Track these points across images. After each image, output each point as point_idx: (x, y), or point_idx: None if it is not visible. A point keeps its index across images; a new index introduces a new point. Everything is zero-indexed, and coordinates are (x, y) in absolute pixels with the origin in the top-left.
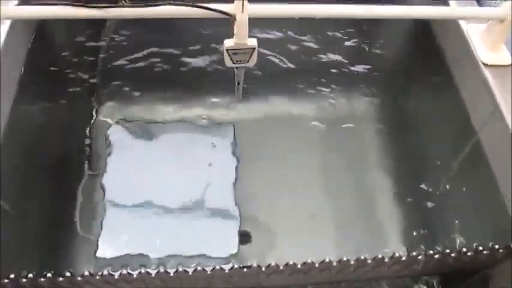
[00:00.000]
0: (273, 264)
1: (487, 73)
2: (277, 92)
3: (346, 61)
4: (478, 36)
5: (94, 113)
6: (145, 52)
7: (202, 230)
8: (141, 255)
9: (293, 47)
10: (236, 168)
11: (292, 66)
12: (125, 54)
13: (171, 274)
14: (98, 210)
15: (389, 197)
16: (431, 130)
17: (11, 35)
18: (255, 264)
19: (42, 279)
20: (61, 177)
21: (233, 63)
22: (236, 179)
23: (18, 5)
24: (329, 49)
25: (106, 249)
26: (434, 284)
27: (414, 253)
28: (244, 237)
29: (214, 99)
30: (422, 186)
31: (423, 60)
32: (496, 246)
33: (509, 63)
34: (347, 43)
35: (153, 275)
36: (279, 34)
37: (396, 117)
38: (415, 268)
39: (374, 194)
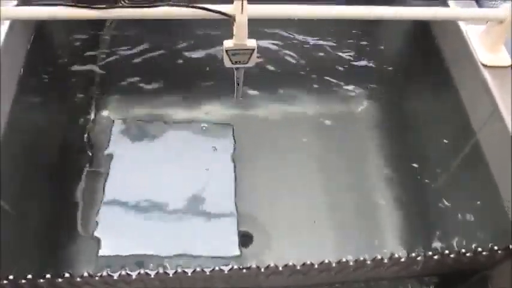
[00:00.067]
0: (272, 265)
1: (486, 74)
2: (277, 92)
3: (345, 61)
4: (478, 37)
5: (94, 113)
6: (145, 52)
7: (202, 231)
8: (140, 255)
9: (292, 47)
10: (235, 168)
11: (291, 66)
12: (125, 54)
13: (170, 275)
14: (97, 210)
15: (388, 197)
16: (430, 130)
17: (11, 36)
18: (254, 265)
19: (41, 280)
20: (61, 177)
21: (232, 64)
22: (236, 179)
23: (17, 5)
24: (328, 49)
25: (106, 249)
26: (433, 285)
27: (413, 254)
28: (245, 238)
29: (214, 100)
30: (422, 186)
31: (422, 60)
32: (496, 247)
33: (509, 64)
34: (346, 43)
35: (152, 276)
36: (279, 34)
37: (396, 118)
38: (414, 269)
39: (373, 194)
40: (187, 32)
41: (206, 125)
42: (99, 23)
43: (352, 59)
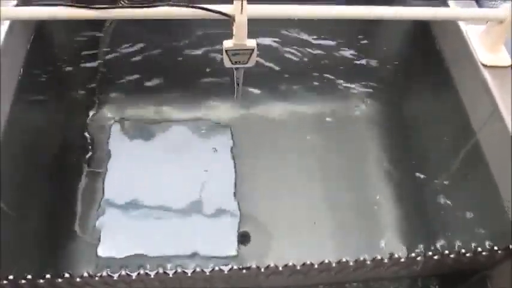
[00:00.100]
0: (272, 265)
1: (486, 74)
2: (277, 92)
3: (345, 61)
4: (478, 37)
5: (94, 113)
6: (145, 52)
7: (201, 231)
8: (140, 255)
9: (292, 47)
10: (235, 168)
11: (291, 66)
12: (124, 54)
13: (170, 275)
14: (97, 210)
15: (388, 197)
16: (430, 130)
17: (10, 36)
18: (254, 265)
19: (41, 281)
20: (61, 177)
21: (232, 64)
22: (236, 179)
23: (17, 5)
24: (328, 49)
25: (105, 249)
26: (433, 285)
27: (413, 254)
28: (244, 238)
29: (213, 99)
30: (422, 186)
31: (422, 60)
32: (495, 248)
33: (509, 64)
34: (346, 43)
35: (152, 276)
36: (279, 32)
37: (396, 117)
38: (414, 269)
39: (373, 194)
40: (187, 31)
41: (206, 125)
42: (99, 23)
43: (352, 58)
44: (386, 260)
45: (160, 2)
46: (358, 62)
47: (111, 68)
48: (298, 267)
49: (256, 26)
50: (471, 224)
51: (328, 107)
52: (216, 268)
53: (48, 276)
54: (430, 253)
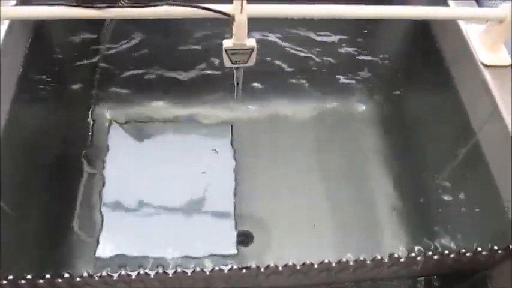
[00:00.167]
0: (272, 265)
1: (486, 73)
2: (277, 91)
3: (345, 60)
4: (478, 36)
5: (93, 112)
6: (144, 52)
7: (201, 230)
8: (140, 255)
9: (292, 47)
10: (235, 167)
11: (291, 65)
12: (124, 53)
13: (170, 275)
14: (97, 210)
15: (388, 197)
16: (430, 130)
17: (9, 35)
18: (254, 265)
19: (40, 281)
20: (61, 177)
21: (232, 63)
22: (236, 178)
23: (16, 5)
24: (328, 48)
25: (105, 249)
26: (433, 284)
27: (413, 254)
28: (244, 238)
29: (213, 99)
30: (422, 186)
31: (422, 60)
32: (495, 247)
33: (509, 63)
34: (346, 43)
35: (151, 276)
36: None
37: (396, 117)
38: (414, 269)
39: (373, 194)
40: (187, 30)
41: (206, 125)
42: (98, 22)
43: (352, 57)
44: (386, 260)
45: (159, 1)
46: (358, 61)
47: (110, 67)
48: (298, 267)
49: (256, 24)
50: (471, 223)
51: (328, 106)
52: (216, 268)
53: (47, 276)
54: (430, 253)
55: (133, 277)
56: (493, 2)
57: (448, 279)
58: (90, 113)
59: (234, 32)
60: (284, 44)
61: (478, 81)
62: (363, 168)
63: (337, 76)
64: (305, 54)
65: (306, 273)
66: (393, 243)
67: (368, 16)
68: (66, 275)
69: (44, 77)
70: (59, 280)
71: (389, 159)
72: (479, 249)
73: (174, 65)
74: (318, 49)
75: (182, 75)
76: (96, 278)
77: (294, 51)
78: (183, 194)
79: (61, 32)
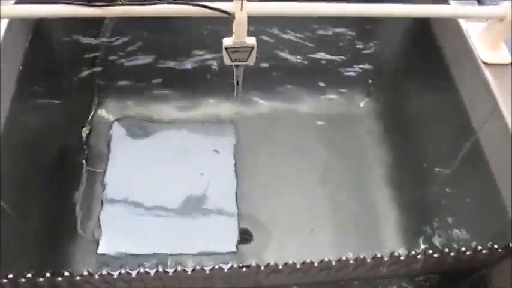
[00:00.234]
0: (272, 263)
1: (487, 72)
2: (278, 91)
3: (345, 60)
4: (478, 34)
5: (93, 111)
6: (144, 50)
7: (202, 229)
8: (140, 254)
9: (291, 46)
10: (236, 166)
11: (292, 65)
12: (124, 52)
13: (170, 274)
14: (97, 209)
15: (388, 196)
16: (430, 129)
17: (9, 34)
18: (254, 264)
19: (41, 279)
20: (61, 177)
21: (232, 61)
22: (237, 177)
23: (15, 3)
24: (328, 48)
25: (105, 248)
26: (433, 283)
27: (413, 252)
28: (245, 236)
29: (214, 98)
30: (422, 185)
31: (423, 59)
32: (495, 246)
33: (509, 62)
34: (346, 41)
35: (152, 275)
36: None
37: (396, 116)
38: (414, 267)
39: (374, 193)
40: (186, 29)
41: (207, 124)
42: (98, 21)
43: (352, 57)
44: (386, 258)
45: (160, 0)
46: (358, 60)
47: (110, 67)
48: (298, 266)
49: (255, 24)
50: (471, 222)
51: (328, 105)
52: (216, 266)
53: (48, 274)
54: (430, 251)
55: (134, 276)
56: (494, 0)
57: (448, 278)
58: (90, 112)
59: (234, 30)
60: (282, 43)
61: (479, 80)
62: (363, 167)
63: (338, 74)
64: (305, 54)
65: (306, 272)
66: (393, 242)
67: (368, 14)
68: (66, 274)
69: (43, 75)
70: (59, 279)
71: (389, 158)
72: (479, 247)
73: (175, 64)
74: (317, 48)
75: (183, 74)
76: (96, 277)
77: (293, 52)
78: (184, 193)
79: (61, 30)
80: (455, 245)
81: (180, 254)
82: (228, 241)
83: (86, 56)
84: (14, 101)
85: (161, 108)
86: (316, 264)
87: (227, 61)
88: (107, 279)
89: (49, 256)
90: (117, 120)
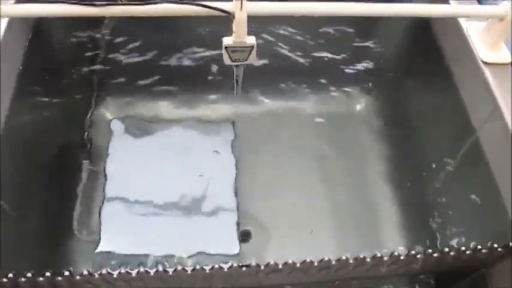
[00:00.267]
0: (272, 263)
1: (487, 71)
2: (278, 90)
3: (345, 60)
4: (478, 34)
5: (93, 110)
6: (144, 49)
7: (202, 228)
8: (140, 253)
9: (291, 45)
10: (236, 166)
11: (292, 64)
12: (124, 51)
13: (170, 273)
14: (97, 209)
15: (388, 195)
16: (430, 128)
17: (9, 33)
18: (254, 263)
19: (41, 279)
20: (61, 177)
21: (232, 61)
22: (236, 176)
23: (15, 3)
24: (328, 48)
25: (105, 248)
26: (433, 282)
27: (413, 252)
28: (244, 236)
29: (214, 97)
30: (422, 184)
31: (422, 58)
32: (495, 245)
33: (509, 61)
34: (346, 41)
35: (152, 274)
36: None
37: (396, 116)
38: (414, 267)
39: (374, 193)
40: (186, 28)
41: (207, 123)
42: (98, 20)
43: (352, 56)
44: (386, 258)
45: None
46: (358, 59)
47: (110, 66)
48: (298, 265)
49: (255, 22)
50: (471, 222)
51: (328, 105)
52: (216, 266)
53: (47, 274)
54: (430, 251)
55: (134, 275)
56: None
57: (447, 277)
58: (90, 111)
59: (234, 29)
60: (283, 42)
61: (478, 79)
62: (363, 167)
63: (338, 74)
64: (305, 53)
65: (306, 271)
66: (393, 242)
67: (368, 14)
68: (66, 273)
69: (43, 74)
70: (59, 278)
71: (389, 158)
72: (479, 247)
73: (175, 62)
74: (317, 47)
75: (183, 73)
76: (96, 276)
77: (293, 51)
78: (184, 193)
79: (60, 29)
80: (455, 245)
81: (181, 254)
82: (229, 243)
83: (86, 54)
84: (14, 101)
85: (161, 107)
86: (316, 264)
87: (227, 61)
88: (107, 279)
89: (49, 256)
90: (117, 119)
